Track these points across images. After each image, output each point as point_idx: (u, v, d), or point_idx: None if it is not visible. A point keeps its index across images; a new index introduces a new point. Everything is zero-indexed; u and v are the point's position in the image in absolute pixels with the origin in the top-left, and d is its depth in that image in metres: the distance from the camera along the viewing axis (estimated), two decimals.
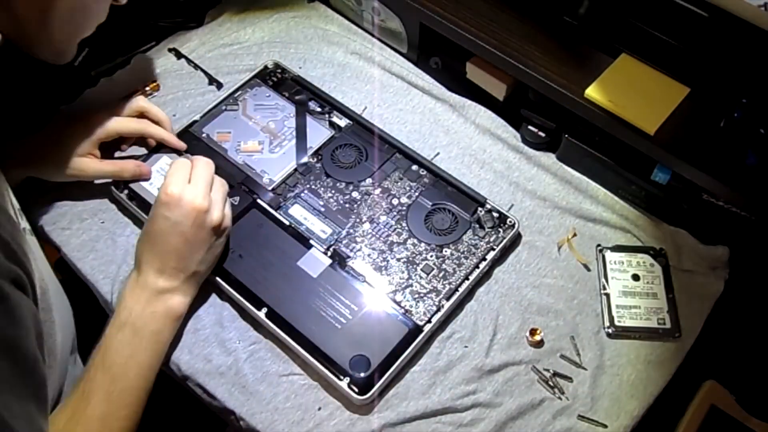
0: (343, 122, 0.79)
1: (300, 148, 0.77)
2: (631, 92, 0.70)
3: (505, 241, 0.71)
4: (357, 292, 0.67)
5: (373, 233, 0.71)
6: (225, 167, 0.75)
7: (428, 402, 0.63)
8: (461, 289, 0.68)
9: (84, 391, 0.57)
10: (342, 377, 0.62)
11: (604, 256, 0.72)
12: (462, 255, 0.70)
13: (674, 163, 0.69)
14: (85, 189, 0.74)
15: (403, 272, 0.69)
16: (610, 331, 0.68)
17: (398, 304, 0.67)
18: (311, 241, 0.70)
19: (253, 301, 0.66)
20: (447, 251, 0.70)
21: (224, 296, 0.69)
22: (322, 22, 0.91)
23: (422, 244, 0.70)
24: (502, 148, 0.80)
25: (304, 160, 0.76)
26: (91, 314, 0.67)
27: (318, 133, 0.78)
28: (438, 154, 0.79)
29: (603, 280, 0.70)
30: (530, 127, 0.80)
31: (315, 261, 0.69)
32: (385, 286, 0.68)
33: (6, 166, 0.61)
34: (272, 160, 0.76)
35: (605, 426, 0.63)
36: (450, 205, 0.73)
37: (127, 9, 0.64)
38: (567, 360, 0.66)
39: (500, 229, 0.72)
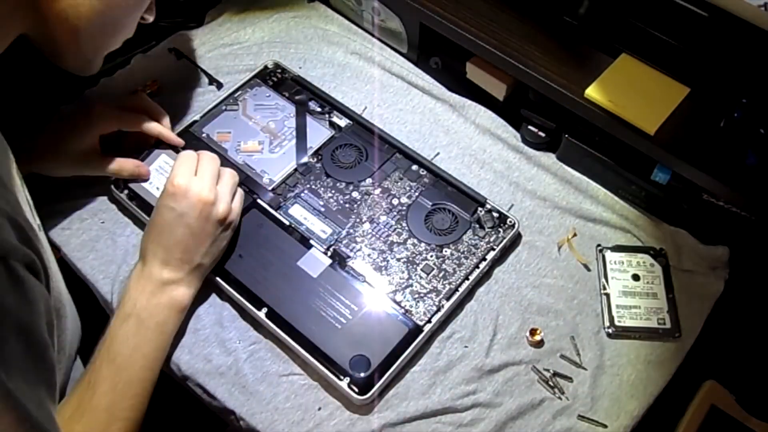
0: (343, 122, 0.79)
1: (300, 148, 0.77)
2: (631, 92, 0.70)
3: (505, 241, 0.71)
4: (357, 292, 0.67)
5: (373, 233, 0.71)
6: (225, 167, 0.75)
7: (428, 402, 0.63)
8: (461, 289, 0.68)
9: (89, 382, 0.58)
10: (342, 377, 0.62)
11: (604, 256, 0.72)
12: (462, 255, 0.70)
13: (674, 163, 0.69)
14: (85, 189, 0.75)
15: (403, 272, 0.69)
16: (610, 331, 0.68)
17: (398, 304, 0.67)
18: (311, 241, 0.70)
19: (253, 301, 0.66)
20: (447, 251, 0.70)
21: (224, 296, 0.69)
22: (322, 22, 0.91)
23: (422, 244, 0.70)
24: (502, 148, 0.80)
25: (304, 160, 0.76)
26: (91, 314, 0.67)
27: (318, 133, 0.78)
28: (438, 154, 0.79)
29: (603, 280, 0.70)
30: (530, 127, 0.80)
31: (315, 261, 0.69)
32: (385, 286, 0.68)
33: None
34: (272, 160, 0.76)
35: (605, 426, 0.63)
36: (450, 205, 0.73)
37: None
38: (567, 360, 0.66)
39: (500, 229, 0.72)
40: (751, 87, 0.68)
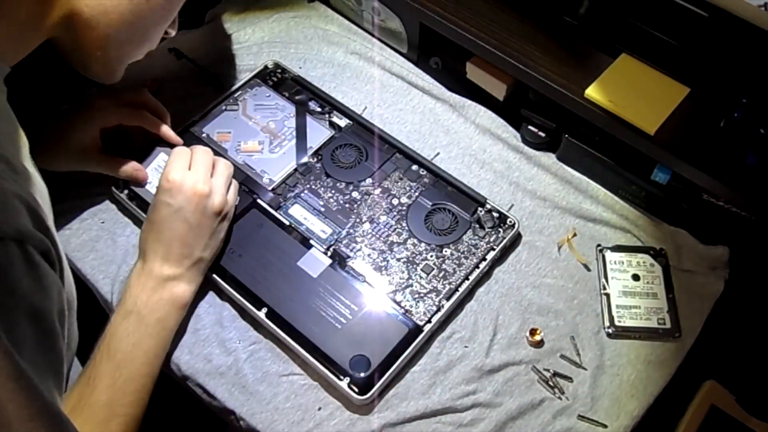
0: (343, 122, 0.79)
1: (300, 148, 0.77)
2: (631, 92, 0.70)
3: (505, 241, 0.71)
4: (357, 292, 0.67)
5: (373, 233, 0.71)
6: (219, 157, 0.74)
7: (428, 402, 0.63)
8: (461, 289, 0.68)
9: (90, 378, 0.58)
10: (342, 377, 0.62)
11: (604, 256, 0.72)
12: (462, 255, 0.70)
13: (674, 163, 0.69)
14: (85, 189, 0.75)
15: (403, 272, 0.69)
16: (610, 331, 0.68)
17: (398, 304, 0.67)
18: (311, 241, 0.70)
19: (253, 301, 0.66)
20: (447, 251, 0.70)
21: (224, 296, 0.69)
22: (322, 22, 0.91)
23: (422, 244, 0.70)
24: (502, 148, 0.80)
25: (304, 160, 0.76)
26: (91, 314, 0.67)
27: (318, 133, 0.78)
28: (438, 154, 0.79)
29: (603, 280, 0.70)
30: (530, 127, 0.80)
31: (315, 261, 0.69)
32: (385, 286, 0.68)
33: None
34: (272, 160, 0.76)
35: (605, 426, 0.63)
36: (450, 205, 0.73)
37: None
38: (567, 360, 0.66)
39: (500, 229, 0.72)
40: (751, 87, 0.68)
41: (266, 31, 0.90)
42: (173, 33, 0.68)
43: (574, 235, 0.73)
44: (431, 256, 0.70)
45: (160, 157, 0.75)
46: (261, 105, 0.81)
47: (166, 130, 0.74)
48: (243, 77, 0.83)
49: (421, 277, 0.68)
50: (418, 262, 0.69)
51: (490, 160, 0.79)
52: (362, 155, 0.77)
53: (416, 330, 0.65)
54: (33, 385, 0.41)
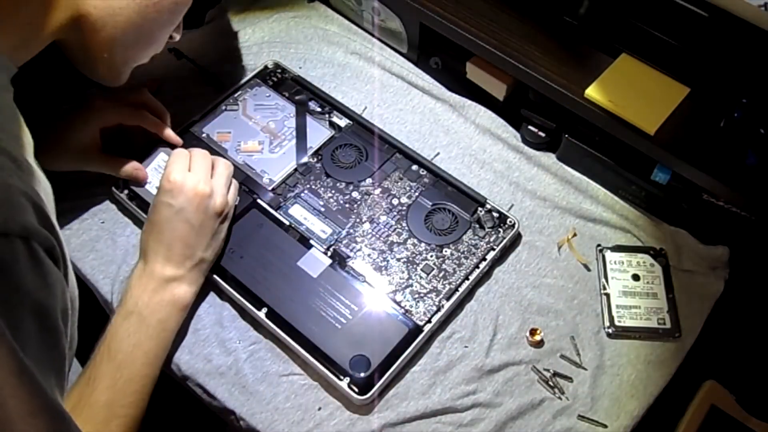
0: (343, 122, 0.79)
1: (300, 148, 0.77)
2: (631, 92, 0.70)
3: (505, 241, 0.71)
4: (357, 292, 0.67)
5: (373, 233, 0.71)
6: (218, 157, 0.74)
7: (428, 402, 0.63)
8: (461, 289, 0.68)
9: (90, 378, 0.58)
10: (342, 377, 0.62)
11: (604, 256, 0.72)
12: (462, 255, 0.70)
13: (674, 163, 0.69)
14: (85, 189, 0.75)
15: (403, 272, 0.69)
16: (610, 331, 0.68)
17: (398, 304, 0.67)
18: (311, 241, 0.70)
19: (253, 301, 0.66)
20: (447, 251, 0.70)
21: (224, 296, 0.69)
22: (322, 22, 0.91)
23: (422, 244, 0.70)
24: (502, 148, 0.80)
25: (304, 160, 0.76)
26: (91, 314, 0.67)
27: (318, 133, 0.78)
28: (438, 154, 0.79)
29: (603, 280, 0.70)
30: (530, 127, 0.80)
31: (315, 261, 0.69)
32: (385, 286, 0.68)
33: None
34: (272, 160, 0.76)
35: (605, 426, 0.63)
36: (450, 205, 0.73)
37: None
38: (567, 360, 0.66)
39: (500, 229, 0.72)
40: (751, 87, 0.68)
41: (266, 31, 0.90)
42: (178, 37, 0.68)
43: (574, 235, 0.73)
44: (431, 256, 0.70)
45: (160, 157, 0.75)
46: (261, 105, 0.81)
47: (166, 130, 0.74)
48: (243, 77, 0.83)
49: (421, 277, 0.68)
50: (418, 262, 0.69)
51: (490, 160, 0.79)
52: (362, 155, 0.77)
53: (416, 330, 0.65)
54: (36, 382, 0.41)
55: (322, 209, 0.73)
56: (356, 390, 0.62)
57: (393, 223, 0.72)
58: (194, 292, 0.65)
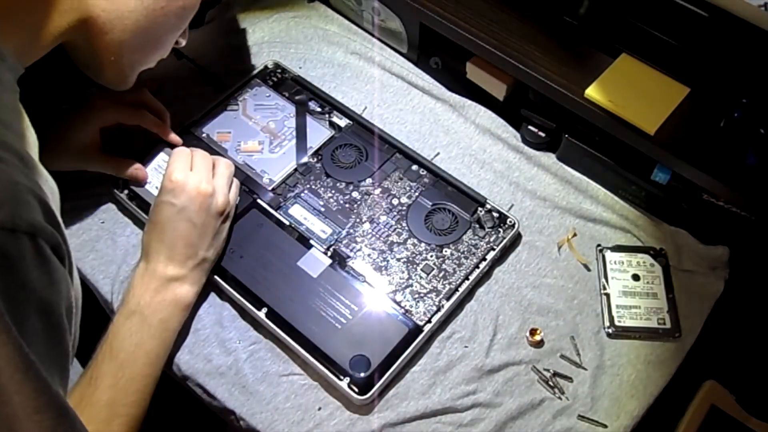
0: (343, 122, 0.79)
1: (300, 148, 0.77)
2: (631, 92, 0.70)
3: (505, 241, 0.71)
4: (357, 292, 0.67)
5: (373, 233, 0.71)
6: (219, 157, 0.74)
7: (428, 402, 0.63)
8: (461, 289, 0.68)
9: (92, 377, 0.58)
10: (342, 377, 0.62)
11: (604, 256, 0.72)
12: (462, 255, 0.70)
13: (674, 163, 0.69)
14: (85, 189, 0.75)
15: (403, 272, 0.69)
16: (610, 331, 0.68)
17: (398, 304, 0.67)
18: (311, 241, 0.70)
19: (253, 301, 0.66)
20: (447, 251, 0.70)
21: (224, 296, 0.69)
22: (322, 22, 0.91)
23: (422, 244, 0.70)
24: (502, 148, 0.80)
25: (304, 160, 0.76)
26: (92, 314, 0.67)
27: (318, 133, 0.78)
28: (438, 154, 0.79)
29: (603, 280, 0.70)
30: (530, 127, 0.80)
31: (315, 261, 0.69)
32: (385, 286, 0.68)
33: None
34: (272, 160, 0.76)
35: (605, 426, 0.63)
36: (450, 205, 0.73)
37: None
38: (567, 360, 0.66)
39: (500, 229, 0.72)
40: (751, 87, 0.68)
41: (266, 31, 0.90)
42: (183, 42, 0.69)
43: (574, 235, 0.73)
44: (431, 256, 0.70)
45: (160, 157, 0.75)
46: (261, 105, 0.81)
47: (166, 130, 0.74)
48: (243, 77, 0.83)
49: (421, 277, 0.68)
50: (418, 262, 0.69)
51: (490, 160, 0.79)
52: (362, 155, 0.77)
53: (416, 330, 0.65)
54: (42, 379, 0.41)
55: (322, 209, 0.73)
56: (356, 390, 0.62)
57: (393, 223, 0.72)
58: (196, 292, 0.65)
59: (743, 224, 0.71)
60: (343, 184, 0.75)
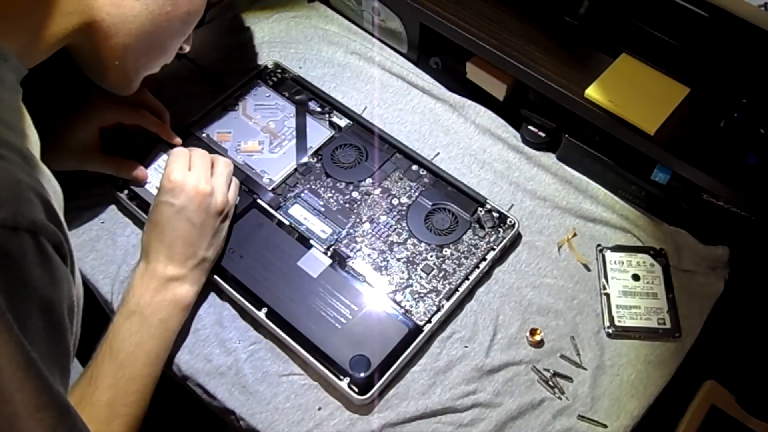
0: (343, 122, 0.79)
1: (300, 148, 0.77)
2: (631, 92, 0.70)
3: (505, 241, 0.71)
4: (357, 292, 0.67)
5: (373, 233, 0.71)
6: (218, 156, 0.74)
7: (428, 402, 0.63)
8: (461, 289, 0.68)
9: (91, 377, 0.58)
10: (342, 377, 0.62)
11: (604, 256, 0.72)
12: (462, 255, 0.70)
13: (674, 163, 0.69)
14: (85, 189, 0.75)
15: (403, 272, 0.69)
16: (610, 331, 0.68)
17: (398, 304, 0.67)
18: (311, 241, 0.70)
19: (253, 301, 0.66)
20: (447, 251, 0.70)
21: (224, 296, 0.69)
22: (322, 22, 0.91)
23: (422, 244, 0.70)
24: (502, 148, 0.80)
25: (304, 160, 0.76)
26: (92, 314, 0.67)
27: (318, 133, 0.78)
28: (438, 154, 0.79)
29: (603, 280, 0.70)
30: (530, 127, 0.80)
31: (315, 261, 0.69)
32: (385, 286, 0.68)
33: None
34: (272, 160, 0.76)
35: (605, 426, 0.63)
36: (450, 205, 0.73)
37: None
38: (567, 360, 0.66)
39: (500, 229, 0.72)
40: (751, 87, 0.68)
41: (266, 31, 0.90)
42: (187, 48, 0.69)
43: (574, 235, 0.73)
44: (431, 256, 0.70)
45: (160, 157, 0.75)
46: (261, 105, 0.81)
47: (166, 130, 0.74)
48: (243, 77, 0.83)
49: (421, 277, 0.68)
50: (418, 262, 0.69)
51: (490, 160, 0.79)
52: (362, 155, 0.77)
53: (416, 330, 0.65)
54: (43, 377, 0.41)
55: (322, 209, 0.73)
56: (356, 390, 0.62)
57: (393, 223, 0.72)
58: (196, 292, 0.65)
59: (743, 224, 0.71)
60: (343, 184, 0.75)
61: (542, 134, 0.79)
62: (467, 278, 0.68)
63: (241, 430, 0.64)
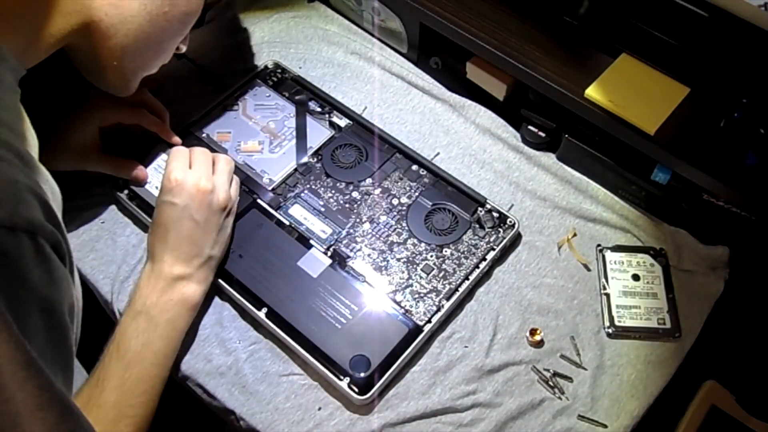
0: (343, 122, 0.79)
1: (300, 148, 0.77)
2: (631, 92, 0.70)
3: (505, 241, 0.71)
4: (357, 292, 0.67)
5: (373, 233, 0.71)
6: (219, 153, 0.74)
7: (428, 402, 0.63)
8: (461, 289, 0.68)
9: (99, 378, 0.58)
10: (342, 377, 0.62)
11: (604, 256, 0.72)
12: (462, 255, 0.70)
13: (674, 163, 0.69)
14: (85, 189, 0.75)
15: (403, 272, 0.69)
16: (610, 331, 0.68)
17: (398, 304, 0.67)
18: (311, 241, 0.70)
19: (253, 301, 0.66)
20: (447, 251, 0.70)
21: (224, 296, 0.69)
22: (322, 22, 0.91)
23: (422, 244, 0.70)
24: (502, 148, 0.80)
25: (304, 160, 0.76)
26: (92, 314, 0.67)
27: (318, 133, 0.78)
28: (438, 154, 0.79)
29: (603, 280, 0.70)
30: (530, 127, 0.80)
31: (315, 261, 0.69)
32: (385, 286, 0.68)
33: None
34: (272, 160, 0.76)
35: (605, 426, 0.63)
36: (450, 205, 0.73)
37: None
38: (567, 360, 0.66)
39: (500, 229, 0.72)
40: (751, 87, 0.68)
41: (266, 31, 0.90)
42: (184, 48, 0.69)
43: (574, 235, 0.73)
44: (431, 256, 0.70)
45: (160, 157, 0.75)
46: (261, 105, 0.81)
47: (166, 130, 0.74)
48: (243, 77, 0.83)
49: (421, 277, 0.68)
50: (418, 262, 0.69)
51: (490, 160, 0.79)
52: (362, 155, 0.77)
53: (416, 330, 0.65)
54: (44, 375, 0.41)
55: (322, 209, 0.73)
56: (356, 390, 0.62)
57: (393, 223, 0.72)
58: (203, 291, 0.65)
59: (743, 224, 0.71)
60: (343, 184, 0.75)
61: (542, 134, 0.79)
62: (467, 278, 0.68)
63: (241, 430, 0.64)
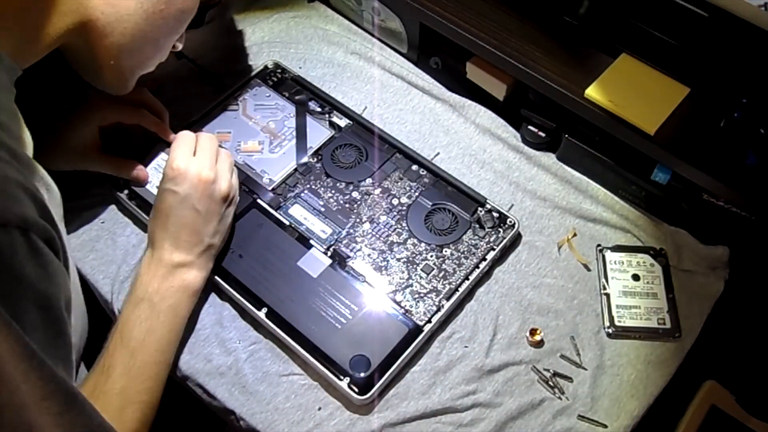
0: (343, 122, 0.79)
1: (300, 148, 0.77)
2: (631, 92, 0.70)
3: (505, 241, 0.71)
4: (357, 292, 0.67)
5: (373, 233, 0.71)
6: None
7: (428, 402, 0.63)
8: (461, 289, 0.68)
9: (104, 366, 0.58)
10: (342, 377, 0.62)
11: (604, 256, 0.72)
12: (462, 255, 0.70)
13: (674, 163, 0.69)
14: (84, 189, 0.75)
15: (403, 272, 0.69)
16: (610, 331, 0.68)
17: (398, 304, 0.67)
18: (311, 241, 0.70)
19: (253, 301, 0.66)
20: (447, 251, 0.70)
21: (224, 296, 0.69)
22: (322, 22, 0.91)
23: (422, 244, 0.70)
24: (502, 148, 0.80)
25: (304, 160, 0.76)
26: (92, 315, 0.67)
27: (318, 133, 0.78)
28: (438, 154, 0.79)
29: (603, 280, 0.70)
30: (530, 127, 0.80)
31: (315, 261, 0.69)
32: (385, 286, 0.68)
33: None
34: (272, 160, 0.76)
35: (605, 426, 0.63)
36: (450, 205, 0.73)
37: None
38: (567, 360, 0.66)
39: (500, 229, 0.72)
40: (751, 87, 0.68)
41: (266, 31, 0.90)
42: (180, 46, 0.69)
43: (574, 235, 0.73)
44: (431, 256, 0.70)
45: (160, 157, 0.75)
46: (261, 105, 0.81)
47: (166, 130, 0.74)
48: (243, 77, 0.83)
49: (421, 277, 0.68)
50: (418, 262, 0.69)
51: (490, 160, 0.79)
52: (362, 155, 0.77)
53: (416, 330, 0.65)
54: (46, 366, 0.41)
55: (322, 209, 0.73)
56: (356, 390, 0.62)
57: (393, 223, 0.72)
58: (204, 277, 0.65)
59: (743, 224, 0.71)
60: (343, 184, 0.75)
61: (542, 134, 0.79)
62: (467, 278, 0.68)
63: (241, 430, 0.64)
